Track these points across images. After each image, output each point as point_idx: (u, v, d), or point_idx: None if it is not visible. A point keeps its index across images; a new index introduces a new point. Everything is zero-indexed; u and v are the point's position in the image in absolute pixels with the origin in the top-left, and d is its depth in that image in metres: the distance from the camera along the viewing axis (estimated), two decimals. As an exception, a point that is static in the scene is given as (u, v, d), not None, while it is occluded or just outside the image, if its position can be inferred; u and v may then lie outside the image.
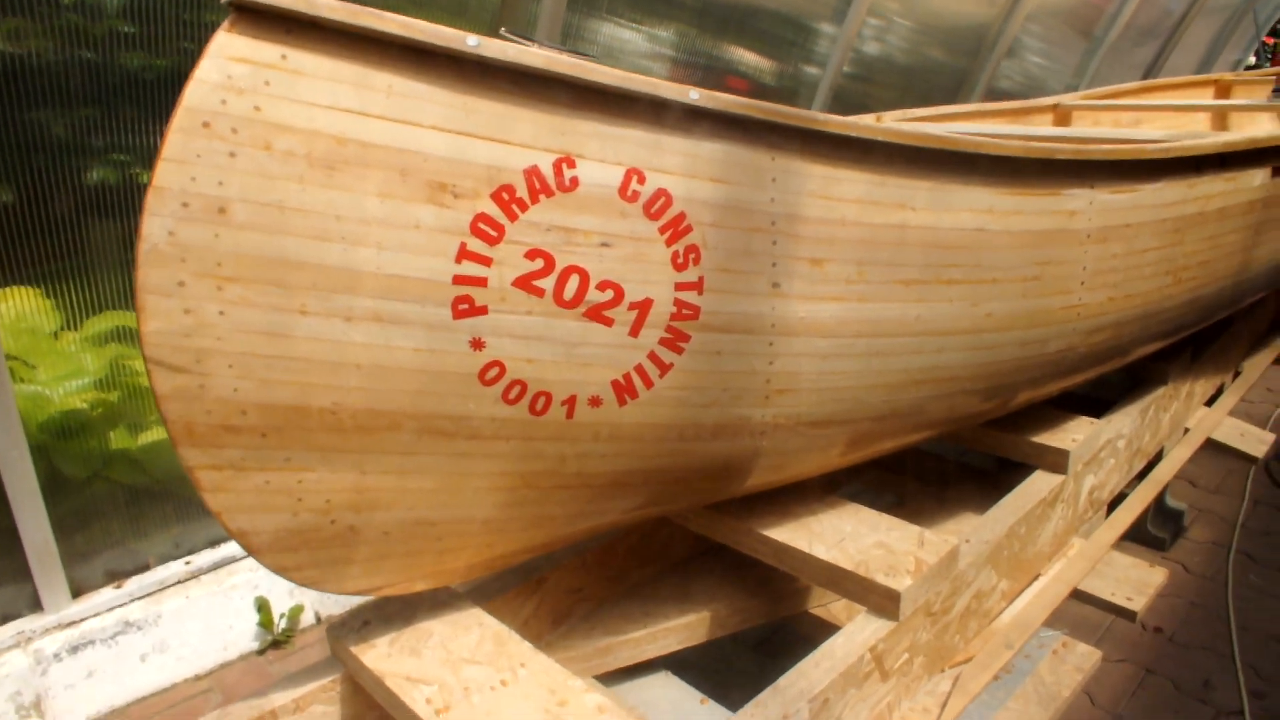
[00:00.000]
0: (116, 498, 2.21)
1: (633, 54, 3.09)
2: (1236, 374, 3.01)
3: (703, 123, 1.22)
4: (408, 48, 1.06)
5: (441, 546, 1.30)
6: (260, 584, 2.34)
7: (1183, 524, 2.81)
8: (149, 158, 2.08)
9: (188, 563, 2.32)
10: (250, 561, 2.39)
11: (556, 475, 1.30)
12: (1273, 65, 6.66)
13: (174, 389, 1.03)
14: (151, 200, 0.98)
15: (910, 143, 1.38)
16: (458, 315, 1.13)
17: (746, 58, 3.55)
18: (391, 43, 1.05)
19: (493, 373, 1.17)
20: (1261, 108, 3.47)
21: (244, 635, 2.30)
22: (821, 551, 1.54)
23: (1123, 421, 2.14)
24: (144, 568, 2.29)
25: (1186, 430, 2.61)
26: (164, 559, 2.32)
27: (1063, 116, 3.81)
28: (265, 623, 2.31)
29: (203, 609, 2.26)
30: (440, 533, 1.28)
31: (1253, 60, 7.21)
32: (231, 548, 2.39)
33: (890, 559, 1.51)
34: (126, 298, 2.18)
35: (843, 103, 3.94)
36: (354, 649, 1.30)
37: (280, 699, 1.29)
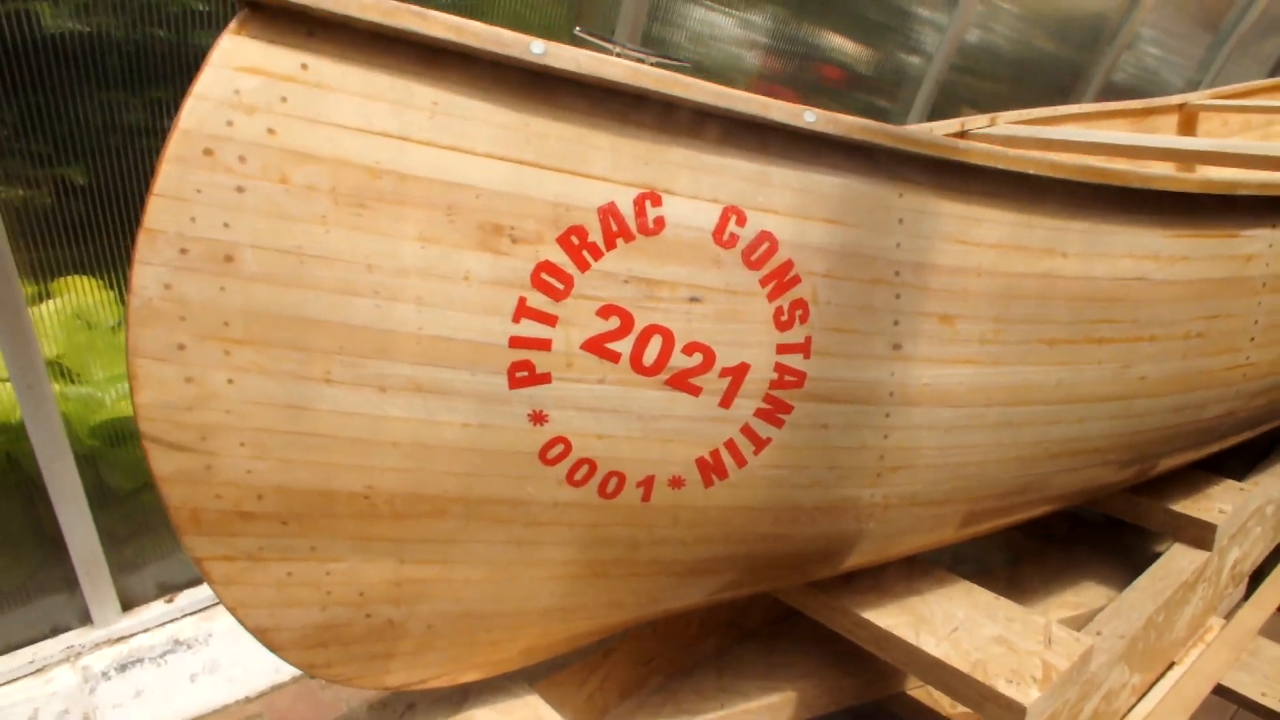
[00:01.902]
0: (171, 509, 2.08)
1: (723, 40, 2.84)
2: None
3: (819, 151, 0.97)
4: (458, 55, 0.83)
5: (494, 638, 1.09)
6: (315, 604, 2.19)
7: (1319, 585, 2.45)
8: None
9: (243, 578, 2.18)
10: (306, 579, 2.24)
11: (628, 563, 1.07)
12: None
13: (175, 470, 0.83)
14: (143, 245, 0.78)
15: (1067, 176, 1.10)
16: (515, 384, 0.90)
17: (845, 45, 3.26)
18: (438, 49, 0.82)
19: (556, 450, 0.95)
20: None
21: (296, 658, 2.16)
22: (931, 645, 1.28)
23: (1273, 485, 1.81)
24: (196, 581, 2.16)
25: (1335, 485, 2.25)
26: (219, 573, 2.18)
27: (1189, 117, 3.41)
28: (318, 645, 2.16)
29: (255, 628, 2.12)
30: (493, 625, 1.06)
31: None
32: (287, 564, 2.24)
33: (1013, 661, 1.25)
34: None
35: (949, 97, 3.61)
36: (390, 744, 1.11)
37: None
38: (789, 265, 0.97)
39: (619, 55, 1.00)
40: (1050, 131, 2.35)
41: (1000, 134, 2.32)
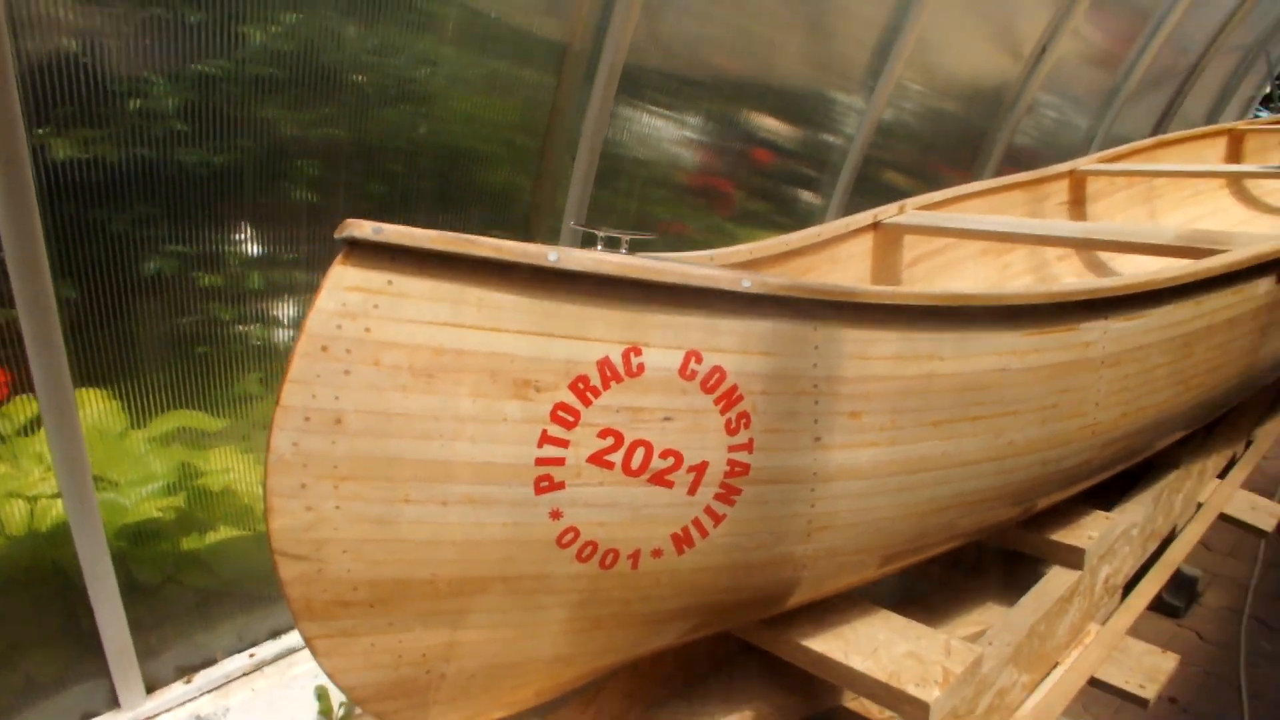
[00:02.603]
0: (186, 598, 2.36)
1: (666, 140, 3.25)
2: (1249, 443, 3.13)
3: (753, 305, 1.37)
4: (497, 264, 1.21)
5: (517, 682, 1.44)
6: (319, 673, 2.47)
7: (1197, 590, 2.94)
8: (205, 251, 2.21)
9: (251, 655, 2.47)
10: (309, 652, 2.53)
11: (621, 616, 1.44)
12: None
13: (296, 575, 1.17)
14: (279, 416, 1.13)
15: (939, 303, 1.52)
16: (539, 492, 1.27)
17: (776, 133, 3.71)
18: (482, 262, 1.20)
19: (569, 537, 1.31)
20: (1270, 175, 3.61)
21: (306, 723, 2.45)
22: (857, 663, 1.67)
23: (1136, 511, 2.27)
24: (211, 661, 2.43)
25: (1200, 505, 2.74)
26: (229, 652, 2.47)
27: (1078, 181, 3.95)
28: (325, 710, 2.45)
29: (267, 700, 2.41)
30: (517, 672, 1.42)
31: (1257, 110, 7.35)
32: (292, 639, 2.53)
33: (920, 669, 1.64)
34: (188, 395, 2.32)
35: (867, 173, 4.09)
36: (439, 774, 1.44)
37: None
38: (735, 388, 1.37)
39: (603, 243, 1.39)
40: (950, 219, 2.82)
41: (907, 222, 2.78)
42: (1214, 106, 6.57)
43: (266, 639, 2.52)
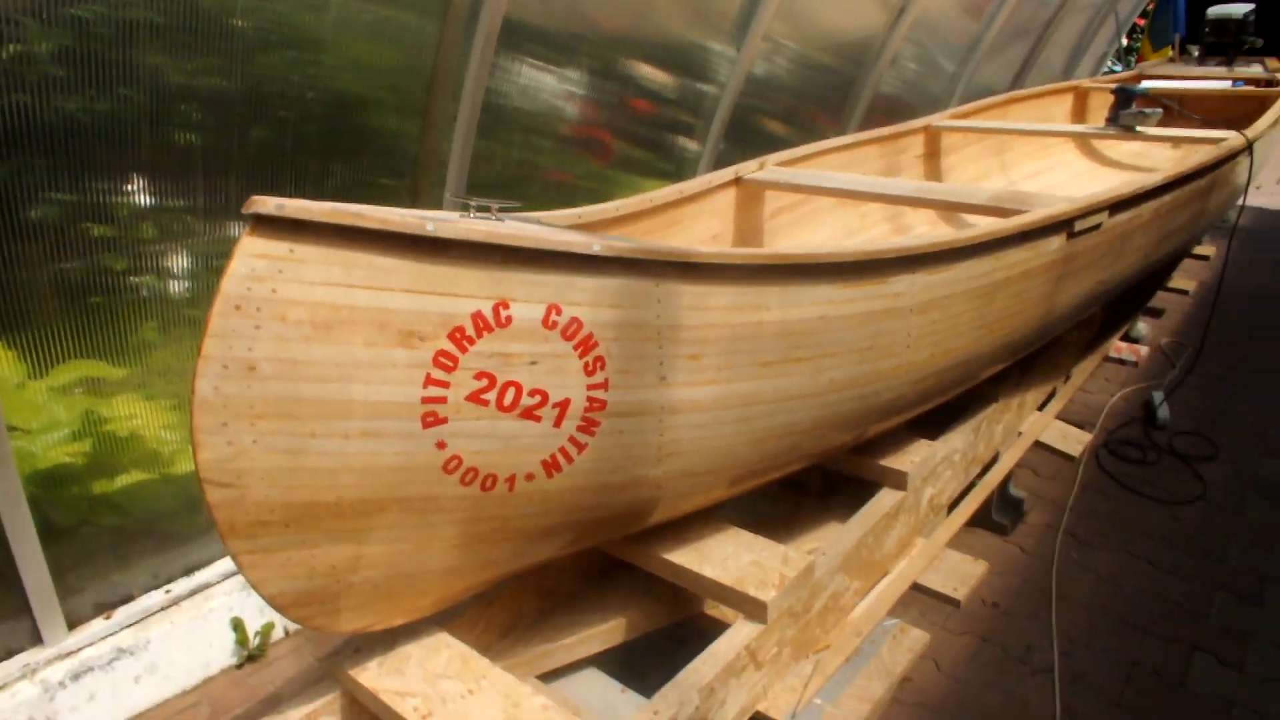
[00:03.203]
0: (101, 538, 2.55)
1: (547, 92, 3.46)
2: (1068, 378, 3.61)
3: (603, 265, 1.66)
4: (382, 233, 1.46)
5: (415, 590, 1.73)
6: (234, 606, 2.72)
7: (1023, 511, 3.41)
8: (94, 201, 2.29)
9: (168, 591, 2.68)
10: (223, 586, 2.76)
11: (501, 532, 1.74)
12: (1138, 63, 7.40)
13: (221, 499, 1.43)
14: (200, 365, 1.37)
15: (764, 261, 1.84)
16: (425, 426, 1.55)
17: (653, 82, 3.95)
18: (370, 231, 1.45)
19: (453, 464, 1.60)
20: (1102, 135, 4.06)
21: (223, 653, 2.69)
22: (708, 571, 2.02)
23: (956, 439, 2.67)
24: (129, 598, 2.64)
25: (1019, 434, 3.19)
26: (146, 589, 2.67)
27: (933, 136, 4.34)
28: (241, 640, 2.69)
29: (185, 632, 2.63)
30: (414, 580, 1.70)
31: (1111, 64, 7.95)
32: (205, 575, 2.75)
33: (761, 575, 2.00)
34: (85, 345, 2.47)
35: (743, 121, 4.39)
36: (350, 671, 1.73)
37: (294, 715, 1.71)
38: (590, 336, 1.66)
39: (475, 211, 1.65)
40: (804, 176, 3.15)
41: (766, 179, 3.10)
42: (1070, 60, 7.10)
43: (181, 576, 2.73)
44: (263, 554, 1.50)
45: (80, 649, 2.47)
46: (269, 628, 2.77)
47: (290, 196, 1.40)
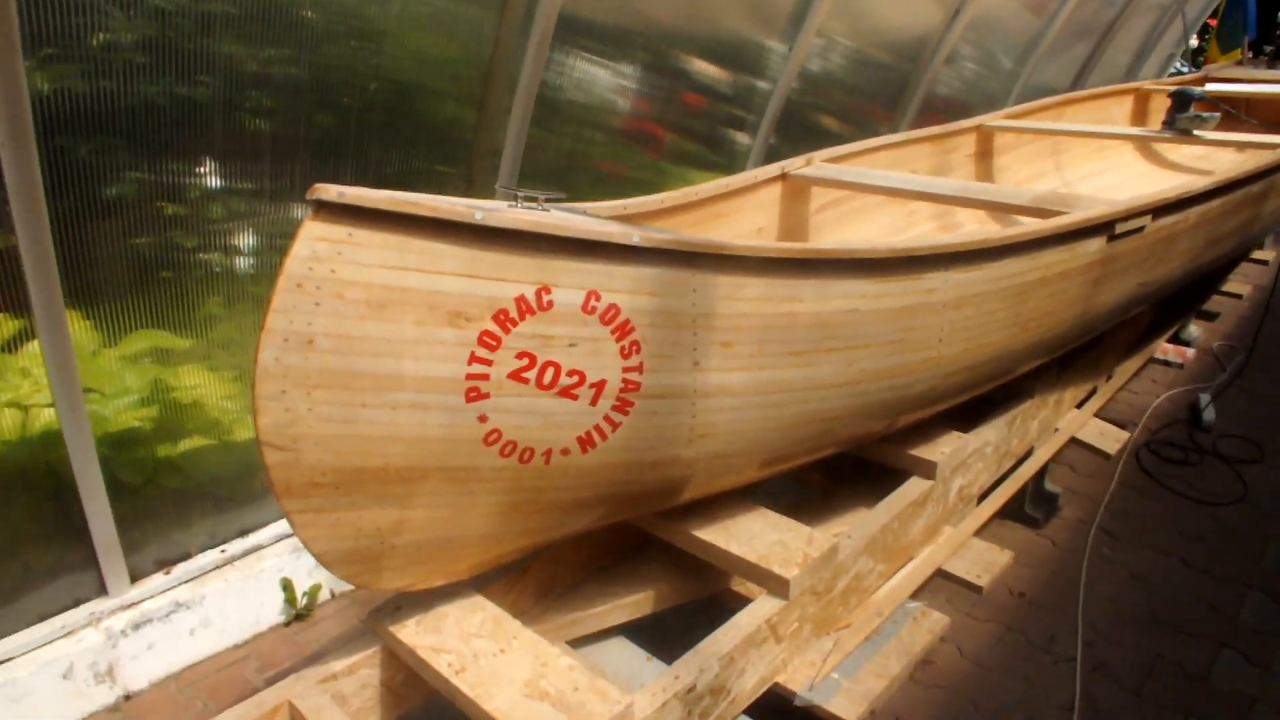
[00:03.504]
0: (164, 498, 2.72)
1: (601, 87, 3.55)
2: (1109, 377, 3.61)
3: (642, 255, 1.74)
4: (435, 220, 1.56)
5: (454, 555, 1.84)
6: (284, 567, 2.87)
7: (1057, 505, 3.44)
8: (164, 179, 2.44)
9: (223, 550, 2.84)
10: (275, 548, 2.92)
11: (536, 503, 1.84)
12: (1205, 64, 7.24)
13: (278, 461, 1.55)
14: (264, 338, 1.49)
15: (797, 255, 1.91)
16: (469, 400, 1.65)
17: (704, 77, 4.02)
18: (424, 218, 1.55)
19: (493, 437, 1.70)
20: (1159, 139, 4.03)
21: (272, 611, 2.84)
22: (735, 548, 2.10)
23: (989, 432, 2.72)
24: (186, 556, 2.80)
25: (1056, 430, 3.21)
26: (203, 548, 2.83)
27: (985, 136, 4.34)
28: (290, 600, 2.85)
29: (238, 590, 2.79)
30: (453, 545, 1.82)
31: (1179, 65, 7.79)
32: (259, 537, 2.91)
33: (785, 554, 2.08)
34: (155, 317, 2.63)
35: (797, 116, 4.44)
36: (390, 628, 1.85)
37: (338, 666, 1.84)
38: (628, 321, 1.75)
39: (522, 201, 1.74)
40: (849, 173, 3.19)
41: (811, 174, 3.15)
42: (1134, 61, 6.98)
43: (235, 537, 2.89)
44: (314, 514, 1.62)
45: (141, 601, 2.64)
46: (316, 589, 2.92)
47: (350, 182, 1.52)
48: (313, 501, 1.61)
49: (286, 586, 2.85)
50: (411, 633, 1.84)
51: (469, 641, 1.82)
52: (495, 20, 2.92)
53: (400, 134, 2.90)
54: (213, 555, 2.82)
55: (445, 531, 1.78)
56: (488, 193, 3.15)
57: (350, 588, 3.02)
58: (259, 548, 2.89)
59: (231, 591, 2.78)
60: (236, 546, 2.87)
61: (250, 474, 2.90)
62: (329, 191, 1.48)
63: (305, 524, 1.63)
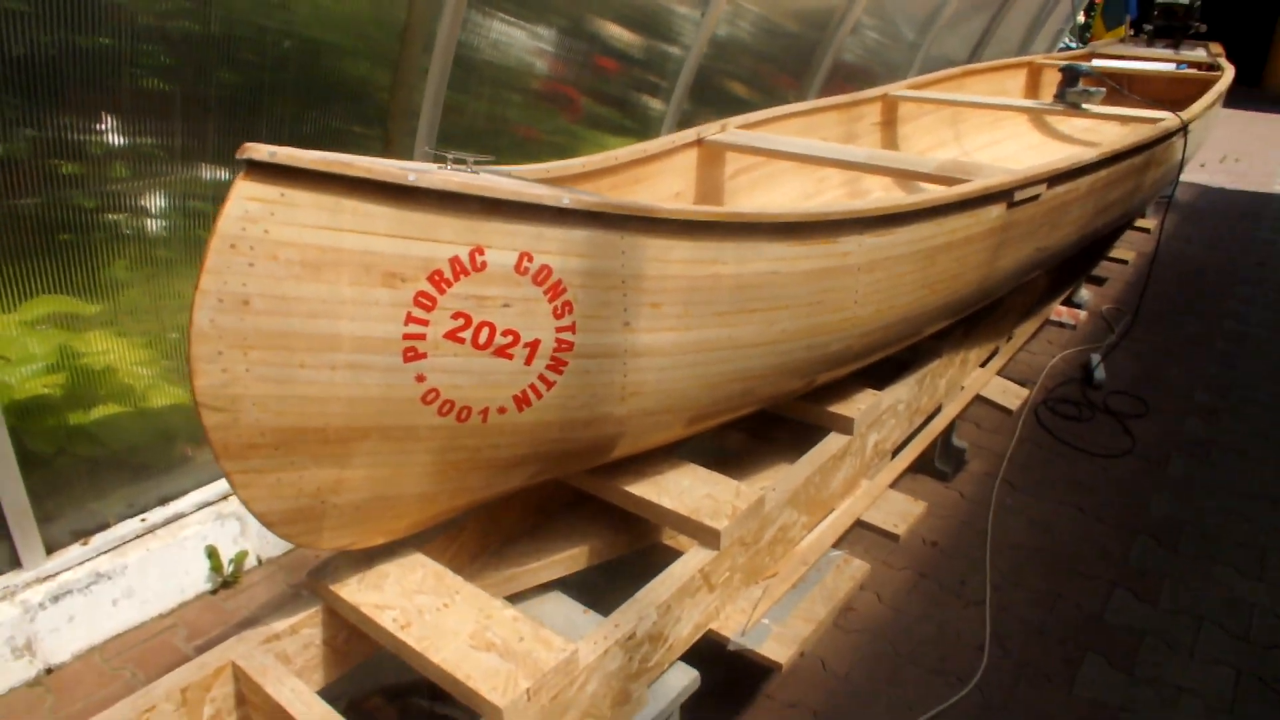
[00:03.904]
0: (78, 468, 2.65)
1: (518, 47, 3.54)
2: (1009, 338, 3.81)
3: (572, 218, 1.78)
4: (367, 181, 1.57)
5: (393, 513, 1.86)
6: (209, 534, 2.84)
7: (964, 459, 3.63)
8: (59, 135, 2.34)
9: (143, 520, 2.78)
10: (197, 515, 2.87)
11: (474, 461, 1.87)
12: (1091, 41, 7.57)
13: (216, 423, 1.54)
14: (198, 299, 1.48)
15: (721, 219, 1.97)
16: (406, 360, 1.67)
17: (619, 42, 4.04)
18: (356, 179, 1.56)
19: (431, 396, 1.72)
20: (1050, 111, 4.23)
21: (198, 579, 2.81)
22: (667, 502, 2.17)
23: (901, 390, 2.85)
24: (105, 526, 2.74)
25: (962, 388, 3.38)
26: (121, 517, 2.77)
27: (890, 105, 4.48)
28: (215, 567, 2.82)
29: (160, 559, 2.75)
30: (392, 504, 1.84)
31: (1067, 40, 8.14)
32: (180, 505, 2.86)
33: (714, 506, 2.16)
34: (56, 282, 2.53)
35: (709, 82, 4.49)
36: (332, 587, 1.86)
37: (279, 626, 1.84)
38: (560, 282, 1.79)
39: (452, 163, 1.76)
40: (763, 140, 3.27)
41: (726, 140, 3.22)
42: (1026, 35, 7.27)
43: (156, 505, 2.83)
44: (254, 474, 1.62)
45: (59, 573, 2.58)
46: (242, 556, 2.89)
47: (261, 140, 1.50)
48: (252, 462, 1.61)
49: (212, 554, 2.81)
50: (353, 591, 1.86)
51: (411, 598, 1.85)
52: (410, -22, 2.89)
53: (314, 93, 2.85)
54: (133, 524, 2.77)
55: (384, 490, 1.80)
56: (406, 154, 3.12)
57: (277, 553, 3.00)
58: (181, 515, 2.85)
59: (154, 560, 2.74)
60: (158, 515, 2.82)
61: (169, 441, 2.85)
62: (260, 151, 1.47)
63: (245, 484, 1.62)
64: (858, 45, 5.56)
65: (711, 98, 4.58)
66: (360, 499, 1.78)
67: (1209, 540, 3.20)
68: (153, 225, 2.70)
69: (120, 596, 2.66)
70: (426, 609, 1.80)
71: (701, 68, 4.39)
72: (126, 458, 2.77)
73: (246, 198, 1.49)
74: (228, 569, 2.83)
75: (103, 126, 2.49)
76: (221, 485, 2.96)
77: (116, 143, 2.53)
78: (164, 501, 2.85)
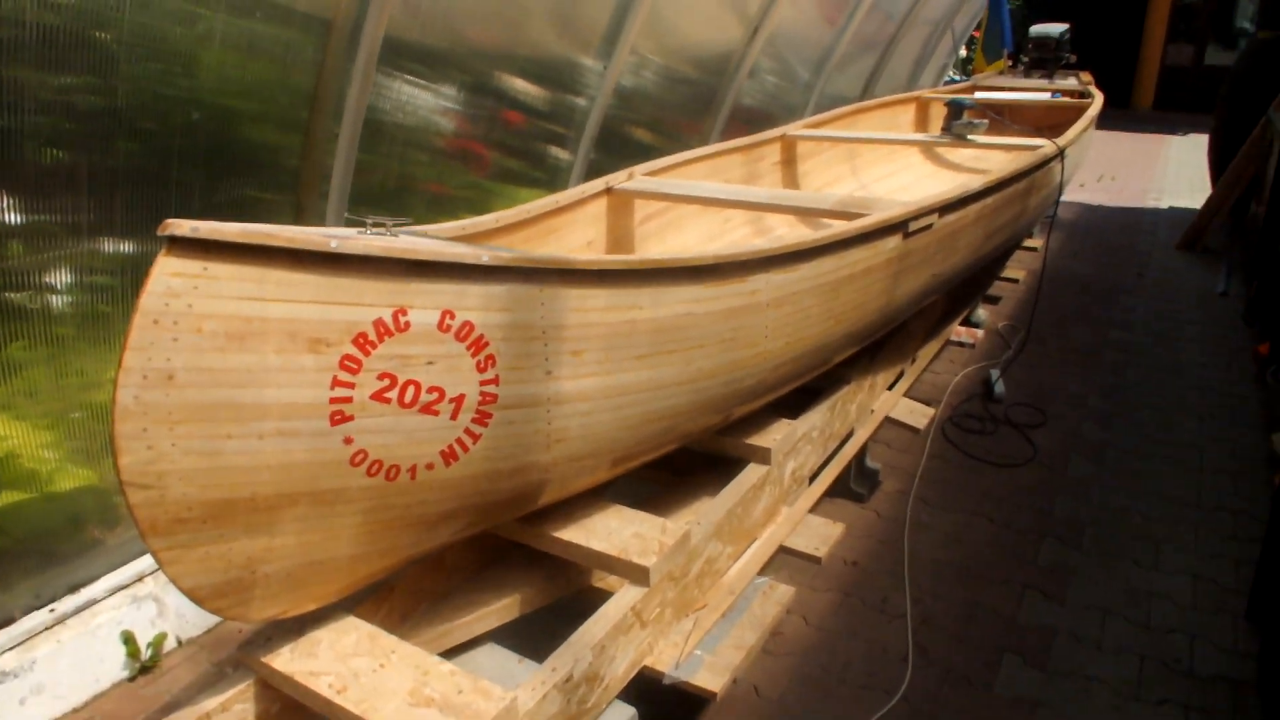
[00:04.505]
0: (-21, 560, 2.56)
1: (426, 108, 3.61)
2: (914, 360, 4.03)
3: (492, 274, 1.86)
4: (290, 251, 1.62)
5: (324, 577, 1.89)
6: (124, 619, 2.77)
7: (878, 480, 3.80)
8: None
9: (52, 610, 2.71)
10: (110, 601, 2.80)
11: (404, 519, 1.92)
12: (973, 74, 8.08)
13: (142, 500, 1.56)
14: (121, 376, 1.50)
15: (636, 266, 2.09)
16: (334, 423, 1.72)
17: (525, 96, 4.15)
18: (279, 248, 1.61)
19: (359, 457, 1.77)
20: (939, 143, 4.53)
21: (114, 667, 2.74)
22: (595, 544, 2.25)
23: (814, 418, 3.00)
24: (9, 621, 2.65)
25: (872, 411, 3.56)
26: (28, 609, 2.69)
27: (789, 145, 4.71)
28: (132, 653, 2.75)
29: (72, 650, 2.67)
30: (323, 568, 1.86)
31: (952, 74, 8.67)
32: (91, 591, 2.79)
33: (642, 544, 2.24)
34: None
35: (615, 130, 4.64)
36: (264, 658, 1.87)
37: (210, 704, 1.84)
38: (482, 337, 1.86)
39: (371, 227, 1.82)
40: (670, 185, 3.42)
41: (634, 188, 3.36)
42: (914, 70, 7.71)
43: (65, 594, 2.75)
44: (182, 549, 1.64)
45: (-37, 671, 2.49)
46: (161, 638, 2.83)
47: (173, 213, 1.55)
48: (180, 538, 1.63)
49: (128, 640, 2.75)
50: (286, 660, 1.87)
51: (346, 661, 1.87)
52: (319, 45, 2.94)
53: (224, 162, 2.87)
54: (41, 616, 2.69)
55: (315, 555, 1.83)
56: (318, 218, 3.15)
57: (198, 633, 2.94)
58: (93, 602, 2.78)
59: (65, 652, 2.66)
60: (68, 604, 2.74)
61: (78, 525, 2.78)
62: (182, 227, 1.52)
63: (173, 560, 1.64)
64: (756, 88, 5.82)
65: (618, 146, 4.73)
66: (291, 565, 1.80)
67: (1108, 537, 3.43)
68: (55, 302, 2.66)
69: (29, 694, 2.57)
70: (362, 671, 1.83)
71: (607, 117, 4.53)
72: (31, 546, 2.69)
73: (169, 273, 1.53)
74: (145, 654, 2.77)
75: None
76: (136, 567, 2.90)
77: (14, 220, 2.50)
78: (74, 589, 2.78)
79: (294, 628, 1.96)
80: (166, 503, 1.59)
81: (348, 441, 1.74)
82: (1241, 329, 5.64)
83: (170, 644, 2.87)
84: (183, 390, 1.56)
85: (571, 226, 3.19)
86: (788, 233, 4.13)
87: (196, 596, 1.70)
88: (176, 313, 1.53)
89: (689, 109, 5.38)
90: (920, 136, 4.93)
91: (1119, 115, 15.23)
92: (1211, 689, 2.65)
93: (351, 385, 1.72)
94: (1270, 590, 2.74)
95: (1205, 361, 5.15)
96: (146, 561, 2.92)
